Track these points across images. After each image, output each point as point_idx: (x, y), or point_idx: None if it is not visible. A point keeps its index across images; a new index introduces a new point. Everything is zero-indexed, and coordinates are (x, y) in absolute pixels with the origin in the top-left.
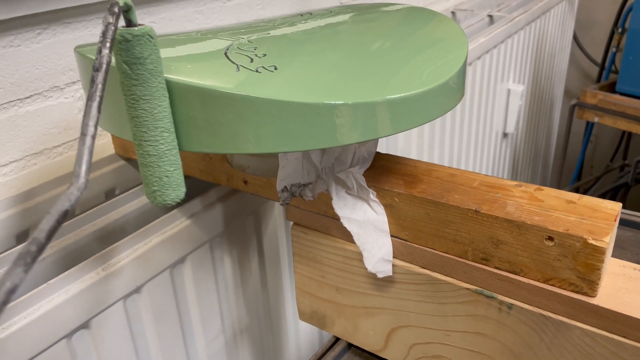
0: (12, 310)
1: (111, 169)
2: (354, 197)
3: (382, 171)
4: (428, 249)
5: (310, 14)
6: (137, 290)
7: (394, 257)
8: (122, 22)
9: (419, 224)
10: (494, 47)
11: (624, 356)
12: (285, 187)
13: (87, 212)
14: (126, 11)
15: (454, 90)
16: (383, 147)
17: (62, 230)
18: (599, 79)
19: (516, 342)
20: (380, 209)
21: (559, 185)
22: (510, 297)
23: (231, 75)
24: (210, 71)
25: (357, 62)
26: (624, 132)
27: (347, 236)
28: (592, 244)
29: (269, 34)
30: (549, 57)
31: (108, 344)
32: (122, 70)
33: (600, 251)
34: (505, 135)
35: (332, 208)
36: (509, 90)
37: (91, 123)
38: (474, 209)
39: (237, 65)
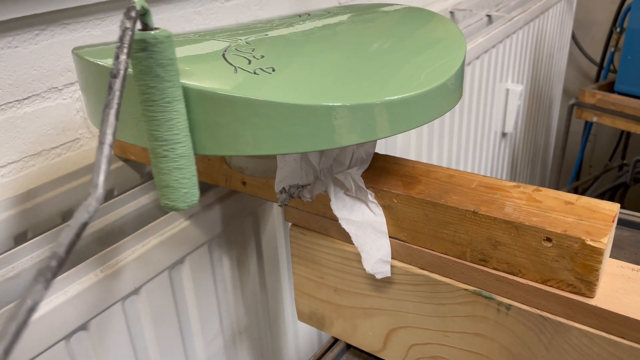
0: (10, 312)
1: (110, 170)
2: (352, 198)
3: (381, 172)
4: (426, 250)
5: (309, 14)
6: (136, 291)
7: (392, 258)
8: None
9: (417, 225)
10: (493, 47)
11: (622, 357)
12: (284, 188)
13: None
14: (143, 15)
15: (452, 92)
16: (382, 147)
17: (61, 232)
18: (597, 79)
19: (514, 343)
20: (379, 210)
21: (557, 185)
22: (508, 298)
23: (229, 77)
24: (208, 73)
25: (355, 63)
26: (622, 131)
27: (346, 237)
28: (590, 245)
29: (267, 35)
30: (547, 56)
31: (107, 345)
32: (138, 74)
33: (598, 252)
34: (504, 135)
35: (331, 209)
36: (507, 90)
37: (109, 131)
38: (472, 210)
39: (234, 67)
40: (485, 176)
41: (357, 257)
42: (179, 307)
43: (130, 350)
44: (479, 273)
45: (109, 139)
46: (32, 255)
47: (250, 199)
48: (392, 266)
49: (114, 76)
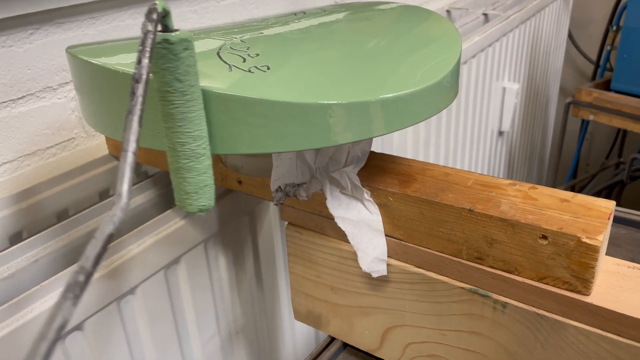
0: (5, 312)
1: (105, 170)
2: (348, 196)
3: (377, 170)
4: (423, 248)
5: (304, 13)
6: (132, 291)
7: (388, 256)
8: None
9: (413, 223)
10: (489, 45)
11: (618, 354)
12: (280, 187)
13: (81, 213)
14: (163, 16)
15: (447, 89)
16: (378, 146)
17: (56, 232)
18: (594, 77)
19: (511, 341)
20: (375, 209)
21: (554, 183)
22: (504, 296)
23: (223, 75)
24: (202, 71)
25: (351, 61)
26: (619, 129)
27: (342, 236)
28: (585, 243)
29: (262, 33)
30: (544, 55)
31: (102, 345)
32: (160, 77)
33: (594, 249)
34: (500, 133)
35: (327, 208)
36: (504, 89)
37: (132, 138)
38: (468, 208)
39: (229, 65)
40: (481, 174)
41: (354, 256)
42: (175, 307)
43: (126, 350)
44: (475, 271)
45: (132, 146)
46: (27, 255)
47: (247, 198)
48: (388, 265)
49: (137, 81)
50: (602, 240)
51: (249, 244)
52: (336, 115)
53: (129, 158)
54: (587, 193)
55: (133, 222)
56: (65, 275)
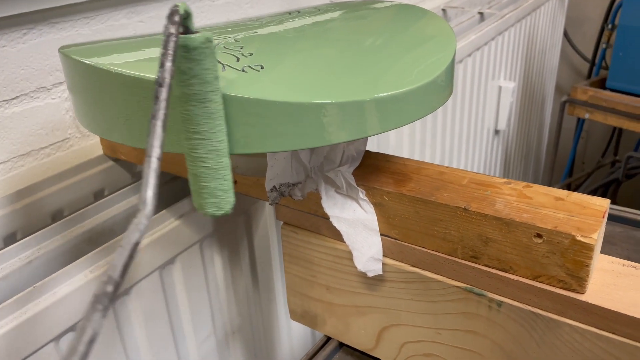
0: None
1: (100, 170)
2: (343, 196)
3: (372, 170)
4: (418, 248)
5: (299, 12)
6: (126, 291)
7: (384, 255)
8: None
9: (408, 222)
10: (485, 44)
11: (613, 352)
12: (274, 186)
13: (76, 214)
14: (185, 18)
15: (442, 88)
16: (374, 145)
17: (50, 232)
18: (589, 75)
19: (506, 340)
20: (370, 208)
21: (550, 182)
22: (500, 295)
23: None
24: None
25: (345, 60)
26: (614, 128)
27: (338, 235)
28: (580, 241)
29: (256, 32)
30: (539, 53)
31: (97, 346)
32: (180, 80)
33: (589, 248)
34: (497, 132)
35: (322, 207)
36: (500, 87)
37: (156, 143)
38: (462, 207)
39: (222, 64)
40: (476, 173)
41: (349, 255)
42: (170, 307)
43: (121, 351)
44: (470, 270)
45: (156, 151)
46: (20, 257)
47: (242, 198)
48: (383, 264)
49: (160, 85)
50: (596, 238)
51: (244, 244)
52: (330, 115)
53: (153, 164)
54: (583, 191)
55: (127, 222)
56: (59, 276)
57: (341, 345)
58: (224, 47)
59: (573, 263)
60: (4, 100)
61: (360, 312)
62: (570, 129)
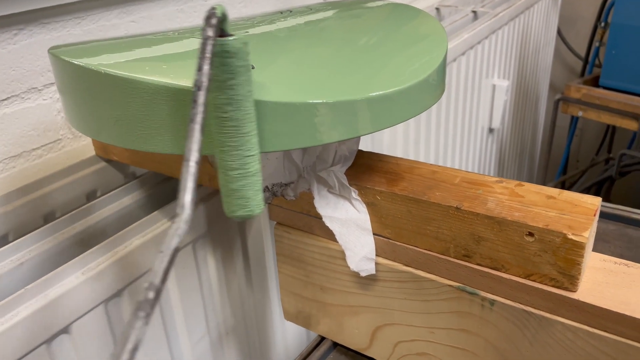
0: None
1: (92, 171)
2: (335, 195)
3: (364, 169)
4: (410, 247)
5: (290, 11)
6: (119, 293)
7: (376, 255)
8: None
9: (401, 221)
10: (479, 42)
11: (605, 350)
12: (267, 186)
13: (68, 215)
14: (222, 21)
15: (433, 87)
16: (369, 144)
17: (42, 234)
18: (583, 73)
19: (499, 338)
20: (363, 208)
21: (545, 180)
22: (492, 293)
23: None
24: (185, 71)
25: (337, 59)
26: (608, 125)
27: (331, 235)
28: (571, 239)
29: (247, 32)
30: (533, 52)
31: (89, 348)
32: (216, 83)
33: (580, 246)
34: (491, 130)
35: (315, 207)
36: (494, 86)
37: (195, 147)
38: (455, 206)
39: None
40: (468, 172)
41: (342, 255)
42: (163, 308)
43: None
44: (462, 269)
45: (195, 155)
46: (12, 259)
47: None
48: (376, 263)
49: (199, 88)
50: (587, 236)
51: (238, 244)
52: (322, 115)
53: (192, 168)
54: (577, 189)
55: (120, 224)
56: (50, 278)
57: (335, 345)
58: None
59: (565, 261)
60: None
61: (353, 312)
62: (565, 127)
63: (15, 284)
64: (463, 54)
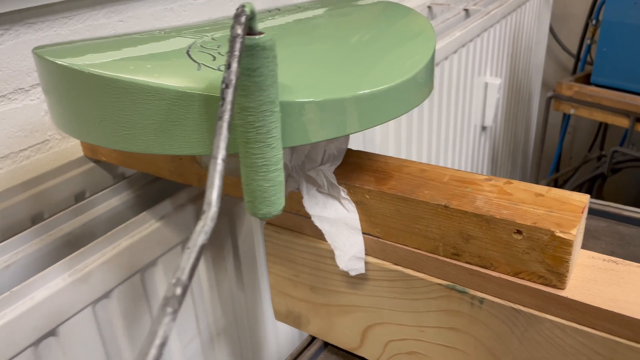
0: None
1: (81, 172)
2: (324, 195)
3: (353, 168)
4: (400, 246)
5: (279, 10)
6: (107, 295)
7: (366, 254)
8: None
9: (390, 220)
10: (470, 40)
11: (593, 347)
12: None
13: (56, 216)
14: (250, 19)
15: (421, 85)
16: (360, 143)
17: (30, 235)
18: (575, 71)
19: (489, 336)
20: (352, 207)
21: (537, 177)
22: (481, 292)
23: (191, 74)
24: (170, 70)
25: (325, 58)
26: (601, 123)
27: (320, 235)
28: (559, 237)
29: None
30: (525, 49)
31: (77, 351)
32: (244, 81)
33: (568, 243)
34: (483, 128)
35: (304, 207)
36: (486, 84)
37: (222, 145)
38: (443, 204)
39: (198, 63)
40: (457, 170)
41: (332, 255)
42: (152, 310)
43: (102, 355)
44: (451, 267)
45: (222, 153)
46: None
47: (225, 198)
48: (366, 262)
49: (227, 86)
50: (575, 234)
51: (228, 245)
52: (310, 113)
53: (219, 166)
54: (570, 186)
55: (110, 225)
56: (37, 280)
57: (326, 344)
58: (201, 45)
59: (553, 259)
60: None
61: (344, 312)
62: (557, 125)
63: (2, 286)
64: (455, 52)
